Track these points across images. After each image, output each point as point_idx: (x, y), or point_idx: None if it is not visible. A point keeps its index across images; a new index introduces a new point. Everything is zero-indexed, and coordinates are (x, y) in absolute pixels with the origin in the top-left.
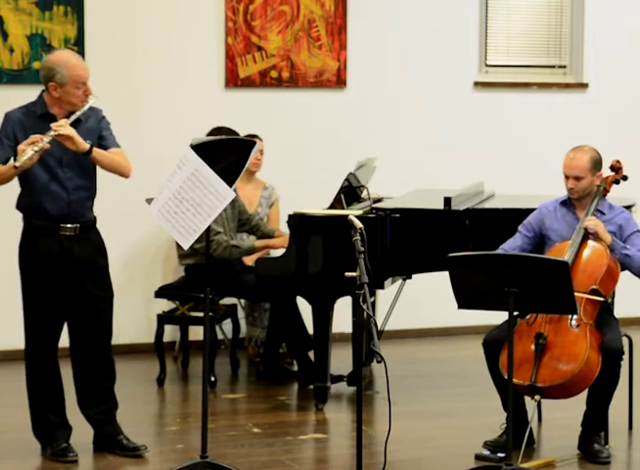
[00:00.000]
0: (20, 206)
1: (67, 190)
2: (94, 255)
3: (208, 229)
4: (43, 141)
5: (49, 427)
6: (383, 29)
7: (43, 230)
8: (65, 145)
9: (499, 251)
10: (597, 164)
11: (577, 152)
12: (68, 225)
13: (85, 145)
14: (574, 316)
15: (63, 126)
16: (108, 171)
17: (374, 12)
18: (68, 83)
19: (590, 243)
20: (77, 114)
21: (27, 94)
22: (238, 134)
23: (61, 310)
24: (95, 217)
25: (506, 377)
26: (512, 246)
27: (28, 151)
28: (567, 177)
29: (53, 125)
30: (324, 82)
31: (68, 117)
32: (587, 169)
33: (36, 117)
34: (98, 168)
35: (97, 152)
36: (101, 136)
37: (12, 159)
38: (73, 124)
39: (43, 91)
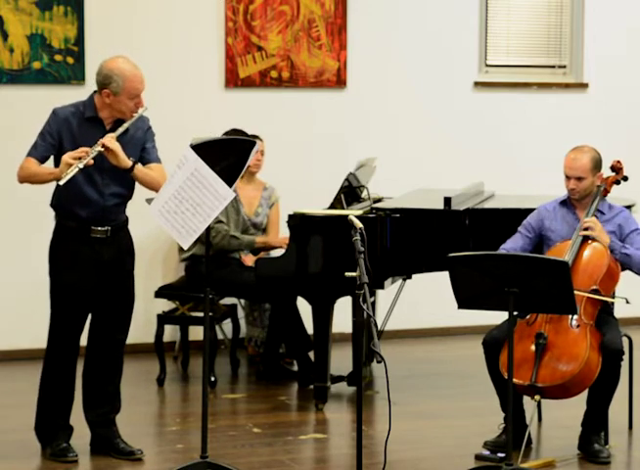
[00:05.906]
0: (52, 203)
1: (102, 196)
2: (123, 258)
3: (208, 229)
4: (89, 156)
5: (52, 427)
6: (383, 29)
7: (74, 232)
8: (108, 158)
9: (500, 251)
10: (598, 164)
11: (578, 152)
12: (99, 228)
13: (128, 162)
14: (575, 316)
15: (110, 141)
16: (143, 187)
17: (374, 12)
18: (121, 94)
19: (591, 243)
20: (125, 125)
21: (27, 94)
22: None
23: (85, 312)
24: (127, 218)
25: (506, 377)
26: (513, 246)
27: (74, 167)
28: (568, 178)
29: (100, 142)
30: (324, 82)
31: (114, 124)
32: (588, 170)
33: (84, 120)
34: None
35: (138, 170)
36: (144, 148)
37: (51, 157)
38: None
39: (94, 92)
